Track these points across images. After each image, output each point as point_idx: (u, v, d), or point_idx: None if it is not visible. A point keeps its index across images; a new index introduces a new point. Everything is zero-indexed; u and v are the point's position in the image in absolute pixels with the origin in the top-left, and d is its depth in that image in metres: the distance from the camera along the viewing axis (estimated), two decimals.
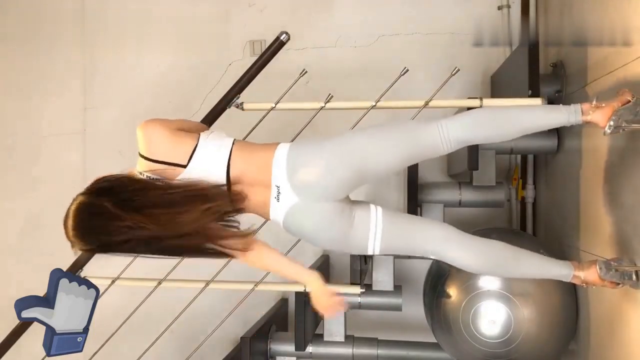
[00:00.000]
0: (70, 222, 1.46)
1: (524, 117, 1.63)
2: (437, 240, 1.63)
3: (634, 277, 1.58)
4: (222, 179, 1.55)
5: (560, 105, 1.62)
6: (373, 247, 1.61)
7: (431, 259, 1.69)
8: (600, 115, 1.55)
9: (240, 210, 1.56)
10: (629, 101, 1.53)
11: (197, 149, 1.55)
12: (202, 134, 1.61)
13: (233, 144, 1.59)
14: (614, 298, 1.80)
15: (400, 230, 1.63)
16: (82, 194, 1.48)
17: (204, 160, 1.55)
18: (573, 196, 2.21)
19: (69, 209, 1.47)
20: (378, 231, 1.59)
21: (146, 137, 1.55)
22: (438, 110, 2.29)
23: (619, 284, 1.63)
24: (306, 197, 1.55)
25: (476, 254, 1.65)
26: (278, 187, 1.56)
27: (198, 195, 1.48)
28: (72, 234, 1.46)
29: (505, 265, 1.68)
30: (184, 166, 1.54)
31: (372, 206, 1.63)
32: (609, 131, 1.54)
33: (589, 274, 1.64)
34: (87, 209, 1.45)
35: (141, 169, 1.56)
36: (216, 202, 1.49)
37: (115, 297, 2.31)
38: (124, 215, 1.41)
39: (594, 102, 1.57)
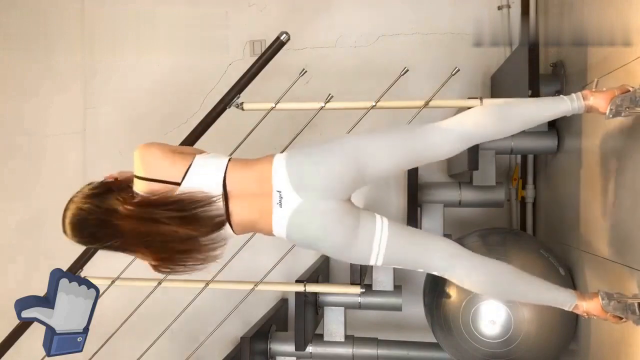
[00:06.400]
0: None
1: (527, 109, 1.63)
2: (443, 257, 1.59)
3: (637, 311, 1.52)
4: (218, 191, 1.54)
5: (561, 95, 1.63)
6: (376, 258, 1.57)
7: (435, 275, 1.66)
8: (600, 100, 1.56)
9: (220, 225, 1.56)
10: (629, 91, 1.54)
11: (191, 167, 1.56)
12: (198, 155, 1.62)
13: (229, 161, 1.60)
14: None
15: (405, 243, 1.59)
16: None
17: (198, 178, 1.55)
18: (573, 196, 2.20)
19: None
20: (383, 242, 1.55)
21: (142, 158, 1.57)
22: (438, 110, 2.29)
23: (622, 318, 1.58)
24: (309, 197, 1.53)
25: (481, 275, 1.61)
26: (280, 192, 1.54)
27: (184, 217, 1.51)
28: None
29: (510, 289, 1.66)
30: (179, 184, 1.55)
31: (378, 216, 1.59)
32: (610, 115, 1.54)
33: (592, 305, 1.60)
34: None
35: (138, 190, 1.57)
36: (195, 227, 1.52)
37: (115, 297, 2.32)
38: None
39: (594, 87, 1.58)
